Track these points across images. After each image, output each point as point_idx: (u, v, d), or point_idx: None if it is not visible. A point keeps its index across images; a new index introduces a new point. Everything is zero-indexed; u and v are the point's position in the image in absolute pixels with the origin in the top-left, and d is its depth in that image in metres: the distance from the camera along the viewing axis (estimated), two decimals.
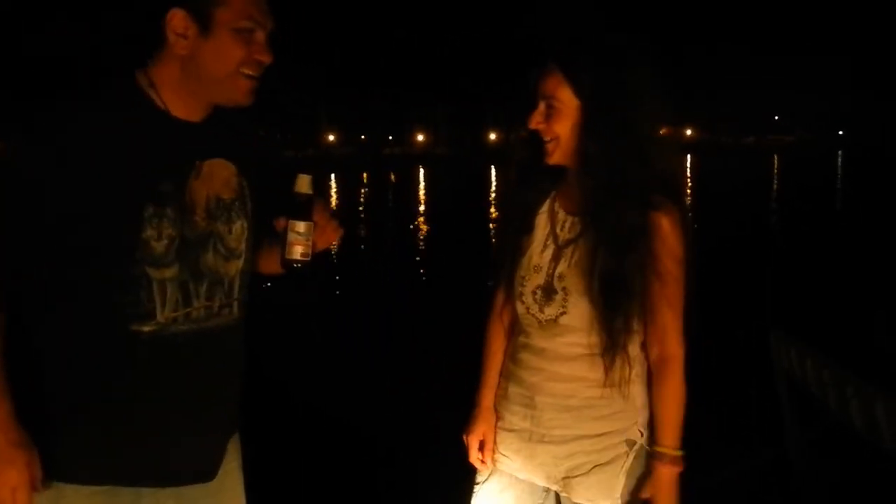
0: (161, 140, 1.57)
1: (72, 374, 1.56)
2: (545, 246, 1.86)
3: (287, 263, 1.62)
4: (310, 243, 1.61)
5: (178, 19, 1.52)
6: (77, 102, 1.54)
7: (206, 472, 1.72)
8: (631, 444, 1.84)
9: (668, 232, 1.75)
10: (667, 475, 1.78)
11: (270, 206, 1.73)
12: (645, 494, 1.80)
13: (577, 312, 1.80)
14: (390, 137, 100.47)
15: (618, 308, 1.76)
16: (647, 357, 1.87)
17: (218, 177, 1.65)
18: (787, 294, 9.35)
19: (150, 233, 1.53)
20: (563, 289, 1.81)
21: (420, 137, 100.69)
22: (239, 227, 1.69)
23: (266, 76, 1.67)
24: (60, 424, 1.56)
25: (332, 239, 1.69)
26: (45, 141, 1.48)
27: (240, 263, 1.70)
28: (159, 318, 1.57)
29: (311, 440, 4.96)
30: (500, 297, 1.99)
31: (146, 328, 1.56)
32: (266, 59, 1.59)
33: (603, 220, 1.75)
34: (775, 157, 77.35)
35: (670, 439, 1.79)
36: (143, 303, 1.55)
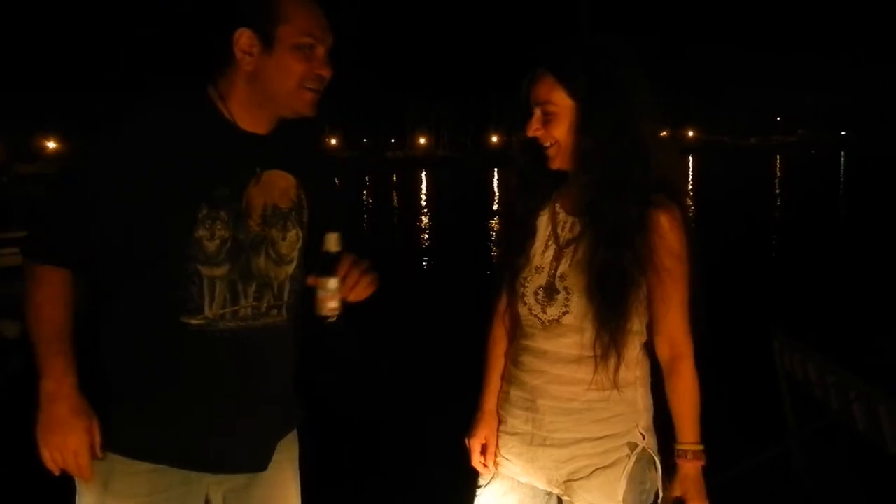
0: (223, 148, 1.66)
1: (127, 356, 1.67)
2: (546, 247, 1.86)
3: (319, 318, 1.69)
4: (339, 298, 1.69)
5: (244, 38, 1.62)
6: (151, 108, 1.64)
7: (251, 463, 1.77)
8: (632, 446, 1.82)
9: (666, 229, 1.74)
10: (692, 470, 1.77)
11: (329, 216, 1.81)
12: (675, 493, 1.79)
13: (579, 312, 1.79)
14: (392, 140, 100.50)
15: (616, 304, 1.75)
16: (650, 359, 1.86)
17: (277, 186, 1.72)
18: (789, 297, 9.35)
19: (202, 232, 1.62)
20: (565, 288, 1.80)
21: (422, 140, 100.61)
22: (293, 235, 1.76)
23: None
24: (116, 400, 1.66)
25: (363, 293, 1.73)
26: (118, 150, 1.60)
27: (290, 269, 1.76)
28: (207, 313, 1.65)
29: (311, 442, 4.97)
30: (501, 300, 1.99)
31: (194, 321, 1.64)
32: (326, 73, 1.67)
33: (601, 217, 1.75)
34: (777, 157, 77.16)
35: (690, 435, 1.78)
36: (193, 298, 1.63)
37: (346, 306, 1.69)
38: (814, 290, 10.01)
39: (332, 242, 1.68)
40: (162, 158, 1.59)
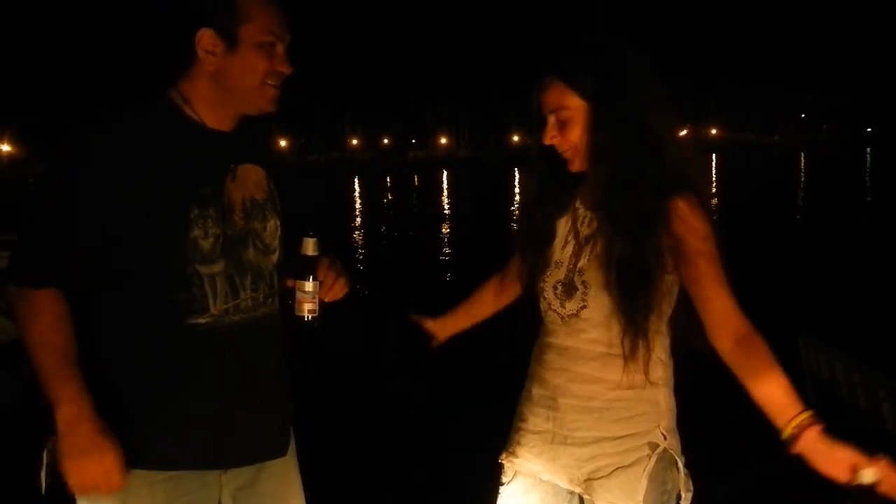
0: (198, 148, 1.70)
1: (136, 368, 1.68)
2: (566, 242, 1.86)
3: (296, 320, 1.76)
4: (316, 300, 1.77)
5: (206, 38, 1.64)
6: (118, 120, 1.65)
7: (271, 450, 1.82)
8: (653, 447, 1.81)
9: (687, 213, 1.72)
10: (814, 438, 1.61)
11: (293, 203, 1.89)
12: (824, 468, 1.61)
13: (597, 306, 1.79)
14: (413, 141, 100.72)
15: (636, 298, 1.74)
16: (673, 360, 1.85)
17: (250, 179, 1.77)
18: (815, 297, 9.26)
19: (197, 232, 1.66)
20: (584, 283, 1.80)
21: (443, 140, 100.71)
22: (273, 224, 1.81)
23: (291, 82, 1.79)
24: (128, 415, 1.66)
25: (338, 294, 1.81)
26: (94, 161, 1.60)
27: (275, 258, 1.81)
28: (213, 310, 1.68)
29: (330, 444, 4.98)
30: (511, 267, 2.05)
31: (202, 320, 1.67)
32: (286, 69, 1.71)
33: (616, 210, 1.75)
34: (802, 155, 76.46)
35: (795, 408, 1.63)
36: (197, 298, 1.67)
37: (323, 307, 1.77)
38: (840, 289, 9.90)
39: (310, 247, 1.76)
40: (141, 167, 1.61)
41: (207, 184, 1.68)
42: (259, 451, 1.80)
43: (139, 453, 1.65)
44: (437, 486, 4.30)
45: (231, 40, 1.64)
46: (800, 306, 8.38)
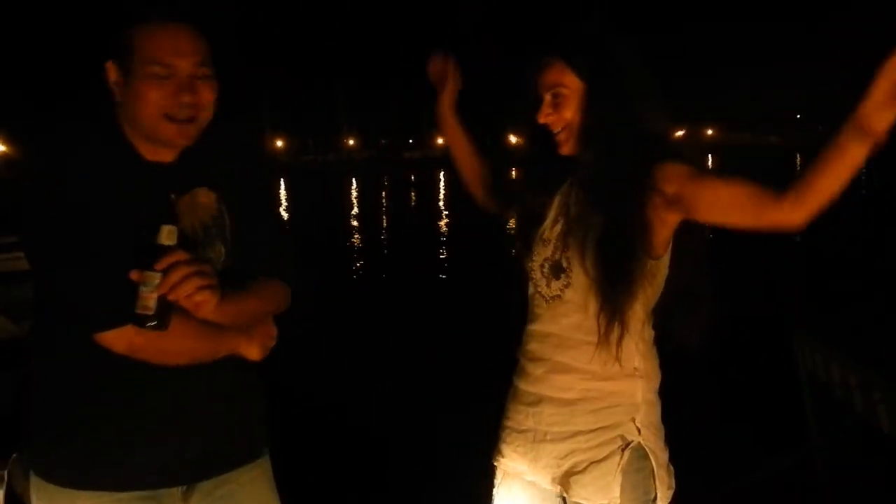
0: (136, 183, 1.66)
1: (73, 384, 1.68)
2: (556, 221, 1.88)
3: (134, 318, 1.54)
4: (156, 295, 1.54)
5: (110, 70, 1.64)
6: (73, 154, 1.64)
7: (213, 465, 1.77)
8: (625, 440, 1.79)
9: (675, 168, 1.72)
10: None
11: (255, 219, 1.81)
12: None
13: (579, 285, 1.79)
14: (410, 141, 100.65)
15: (614, 274, 1.74)
16: (656, 357, 1.86)
17: (199, 205, 1.73)
18: (810, 296, 9.25)
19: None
20: (567, 259, 1.81)
21: (440, 141, 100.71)
22: (219, 249, 1.75)
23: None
24: (63, 435, 1.67)
25: (187, 292, 1.55)
26: (61, 191, 1.60)
27: None
28: None
29: (322, 445, 4.96)
30: (487, 178, 2.20)
31: None
32: (188, 99, 1.62)
33: (601, 186, 1.78)
34: (798, 155, 76.59)
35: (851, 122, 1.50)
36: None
37: (165, 306, 1.55)
38: (836, 289, 9.89)
39: (164, 235, 1.56)
40: (92, 201, 1.59)
41: (148, 220, 1.59)
42: (207, 464, 1.76)
43: (74, 473, 1.66)
44: (427, 486, 4.29)
45: (126, 71, 1.61)
46: (796, 304, 8.37)
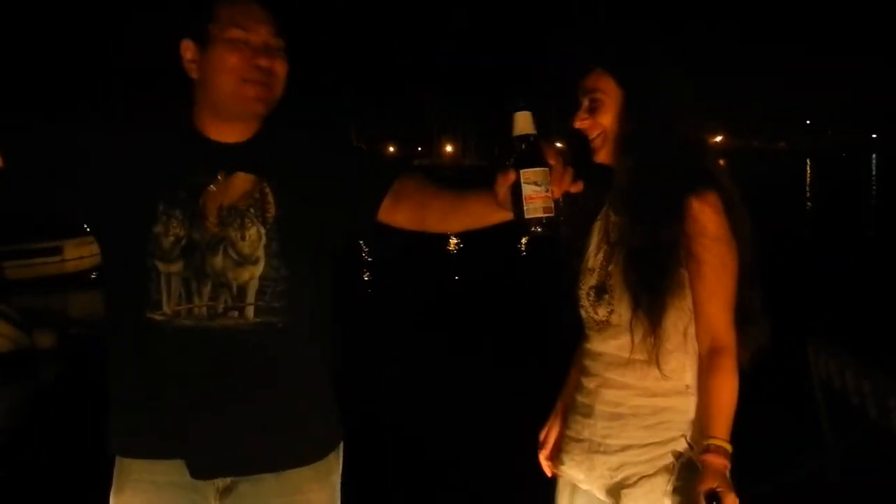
0: (187, 155, 1.74)
1: (115, 354, 1.77)
2: (599, 248, 1.89)
3: (528, 223, 1.35)
4: (549, 195, 1.35)
5: (185, 48, 1.71)
6: (129, 116, 1.80)
7: (233, 467, 1.74)
8: (678, 455, 1.78)
9: (699, 212, 1.72)
10: (719, 464, 1.67)
11: (331, 218, 1.81)
12: (708, 485, 1.66)
13: (622, 309, 1.80)
14: (419, 148, 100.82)
15: (652, 292, 1.74)
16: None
17: (238, 188, 1.74)
18: (825, 303, 9.21)
19: (159, 228, 1.69)
20: (611, 286, 1.82)
21: (448, 148, 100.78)
22: (254, 233, 1.73)
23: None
24: (114, 403, 1.77)
25: (565, 185, 1.43)
26: (102, 131, 1.76)
27: (256, 270, 1.72)
28: (165, 308, 1.69)
29: (377, 453, 4.93)
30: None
31: (157, 317, 1.69)
32: (265, 62, 1.68)
33: (638, 208, 1.77)
34: (808, 161, 76.41)
35: (722, 431, 1.69)
36: (152, 293, 1.69)
37: (558, 206, 1.36)
38: (851, 295, 9.85)
39: (525, 123, 1.34)
40: (133, 165, 1.70)
41: (184, 188, 1.71)
42: (214, 463, 1.73)
43: (123, 442, 1.75)
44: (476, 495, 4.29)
45: (203, 42, 1.67)
46: (811, 311, 8.33)
